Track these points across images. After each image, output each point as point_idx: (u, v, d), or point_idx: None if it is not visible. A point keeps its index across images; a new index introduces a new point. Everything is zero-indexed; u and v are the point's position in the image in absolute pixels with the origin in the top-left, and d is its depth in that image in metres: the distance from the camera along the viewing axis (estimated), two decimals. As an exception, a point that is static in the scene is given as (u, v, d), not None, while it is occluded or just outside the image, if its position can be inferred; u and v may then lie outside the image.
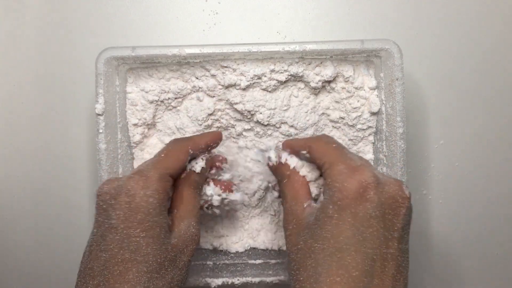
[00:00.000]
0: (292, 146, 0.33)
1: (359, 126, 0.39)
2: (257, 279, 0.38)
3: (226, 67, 0.37)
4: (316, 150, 0.31)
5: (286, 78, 0.38)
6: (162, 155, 0.32)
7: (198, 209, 0.33)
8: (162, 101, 0.39)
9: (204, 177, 0.35)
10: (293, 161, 0.33)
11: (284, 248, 0.42)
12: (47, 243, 0.44)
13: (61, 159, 0.44)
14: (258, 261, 0.40)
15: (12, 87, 0.44)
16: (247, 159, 0.40)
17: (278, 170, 0.34)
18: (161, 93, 0.39)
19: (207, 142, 0.35)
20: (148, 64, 0.38)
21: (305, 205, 0.30)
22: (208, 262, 0.40)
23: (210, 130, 0.40)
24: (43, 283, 0.45)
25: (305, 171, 0.32)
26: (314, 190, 0.32)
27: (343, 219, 0.27)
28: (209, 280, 0.37)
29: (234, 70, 0.37)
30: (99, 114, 0.35)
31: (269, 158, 0.34)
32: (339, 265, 0.26)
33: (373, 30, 0.43)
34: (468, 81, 0.44)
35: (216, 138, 0.36)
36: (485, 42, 0.44)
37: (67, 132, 0.44)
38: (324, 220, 0.27)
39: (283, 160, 0.33)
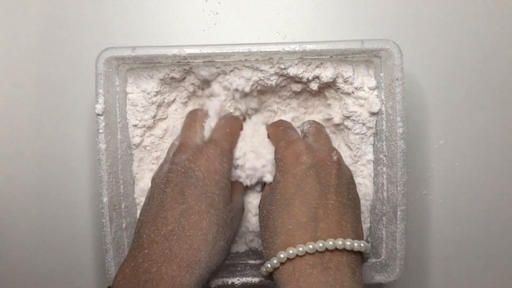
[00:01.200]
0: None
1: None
2: (257, 279, 0.38)
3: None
4: (270, 134, 0.39)
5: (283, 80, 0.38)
6: (228, 129, 0.37)
7: (244, 194, 0.40)
8: (163, 102, 0.39)
9: None
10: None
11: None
12: (47, 243, 0.44)
13: (61, 159, 0.44)
14: (258, 261, 0.40)
15: (12, 87, 0.44)
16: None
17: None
18: (162, 94, 0.39)
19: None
20: (148, 65, 0.38)
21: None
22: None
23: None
24: (43, 283, 0.45)
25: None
26: None
27: (287, 180, 0.33)
28: (209, 280, 0.37)
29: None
30: (99, 114, 0.35)
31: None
32: (289, 216, 0.31)
33: (373, 30, 0.43)
34: (468, 81, 0.44)
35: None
36: (485, 42, 0.44)
37: (67, 132, 0.44)
38: (275, 186, 0.33)
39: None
